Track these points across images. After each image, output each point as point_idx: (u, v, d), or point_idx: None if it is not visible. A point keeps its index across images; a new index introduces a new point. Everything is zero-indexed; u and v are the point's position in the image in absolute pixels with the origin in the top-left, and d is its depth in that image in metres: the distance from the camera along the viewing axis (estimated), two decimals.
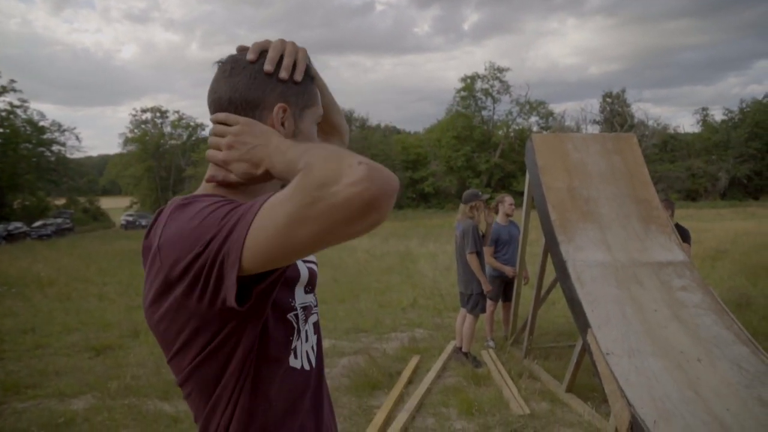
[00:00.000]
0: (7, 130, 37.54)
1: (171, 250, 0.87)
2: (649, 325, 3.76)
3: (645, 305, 3.90)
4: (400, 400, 4.41)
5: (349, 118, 56.40)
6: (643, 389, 3.28)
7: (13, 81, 37.25)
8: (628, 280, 4.07)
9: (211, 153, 0.97)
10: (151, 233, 0.95)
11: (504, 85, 47.42)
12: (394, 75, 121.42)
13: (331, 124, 1.30)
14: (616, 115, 46.70)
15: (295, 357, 1.06)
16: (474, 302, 5.32)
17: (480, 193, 5.52)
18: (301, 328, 1.07)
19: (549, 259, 4.79)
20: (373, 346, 6.10)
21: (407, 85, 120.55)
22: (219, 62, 1.03)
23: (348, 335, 6.73)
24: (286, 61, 1.00)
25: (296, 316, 1.05)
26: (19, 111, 38.46)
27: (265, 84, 0.99)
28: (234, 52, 1.05)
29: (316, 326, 1.16)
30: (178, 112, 71.48)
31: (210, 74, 1.03)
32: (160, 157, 51.51)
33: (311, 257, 1.14)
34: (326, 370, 5.31)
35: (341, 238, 0.77)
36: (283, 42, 1.03)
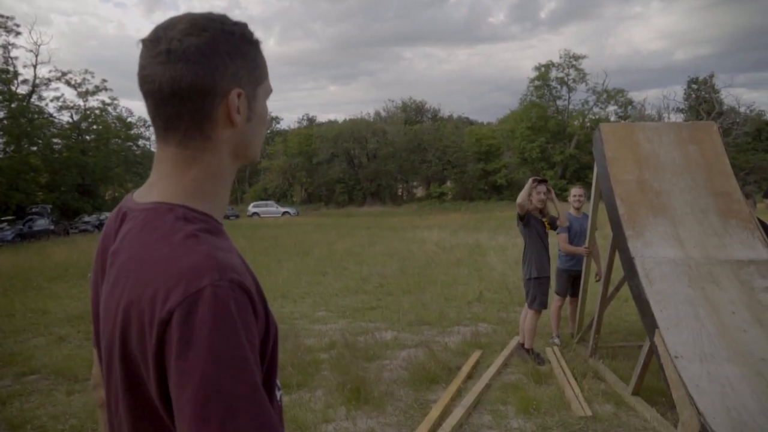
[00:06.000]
0: (100, 127, 40.60)
1: None
2: (725, 328, 3.48)
3: (721, 306, 3.61)
4: (458, 395, 4.34)
5: (421, 109, 56.27)
6: (715, 397, 3.04)
7: (104, 81, 40.26)
8: (703, 279, 3.79)
9: None
10: None
11: (580, 74, 45.73)
12: (468, 65, 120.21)
13: None
14: (702, 102, 43.95)
15: None
16: (532, 296, 5.16)
17: (533, 177, 5.50)
18: None
19: (618, 256, 4.55)
20: (435, 340, 6.05)
21: (481, 75, 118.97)
22: (146, 40, 0.83)
23: (411, 327, 6.71)
24: None
25: None
26: (110, 109, 41.65)
27: (215, 66, 0.82)
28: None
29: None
30: None
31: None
32: None
33: None
34: (386, 362, 5.31)
35: None
36: None
